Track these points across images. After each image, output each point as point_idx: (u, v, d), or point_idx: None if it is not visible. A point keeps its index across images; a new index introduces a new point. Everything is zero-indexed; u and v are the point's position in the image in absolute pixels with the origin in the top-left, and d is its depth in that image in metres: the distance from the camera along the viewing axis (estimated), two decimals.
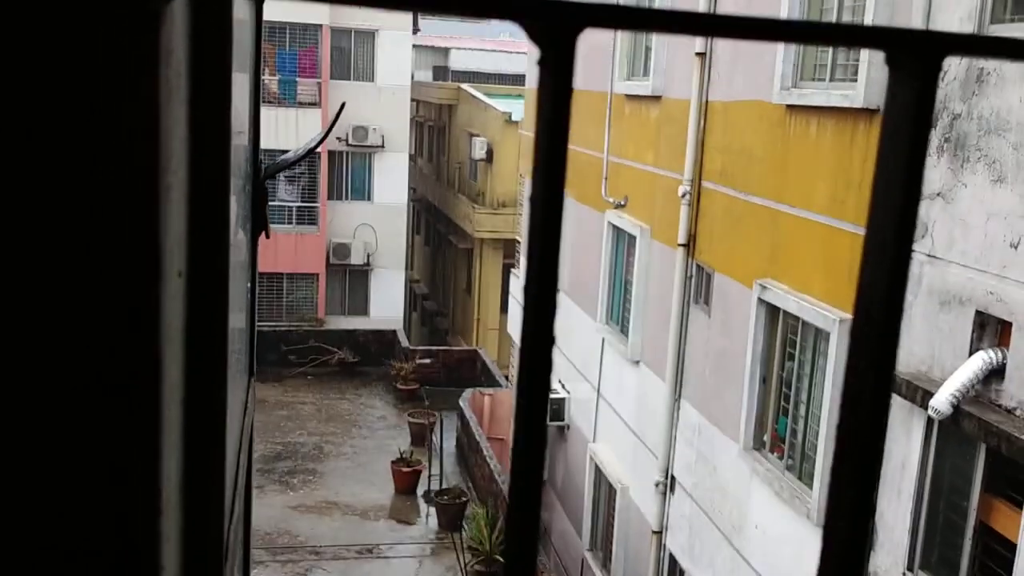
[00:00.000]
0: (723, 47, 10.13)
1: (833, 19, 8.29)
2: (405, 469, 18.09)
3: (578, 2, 0.46)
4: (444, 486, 17.68)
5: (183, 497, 0.69)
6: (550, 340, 0.50)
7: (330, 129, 3.29)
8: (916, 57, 0.51)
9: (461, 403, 19.71)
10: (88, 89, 0.44)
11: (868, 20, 7.48)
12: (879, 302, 0.52)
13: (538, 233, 0.50)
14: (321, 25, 25.90)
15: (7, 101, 0.44)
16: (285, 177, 26.14)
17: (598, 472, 13.53)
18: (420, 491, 18.15)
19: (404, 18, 27.17)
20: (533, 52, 0.49)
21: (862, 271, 0.53)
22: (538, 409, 0.50)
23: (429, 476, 18.03)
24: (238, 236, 1.32)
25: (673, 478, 11.19)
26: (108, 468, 0.48)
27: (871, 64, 7.44)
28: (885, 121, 0.52)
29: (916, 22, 6.88)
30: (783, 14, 8.69)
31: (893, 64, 0.52)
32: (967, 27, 6.43)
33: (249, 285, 1.56)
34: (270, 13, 24.97)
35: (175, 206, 0.55)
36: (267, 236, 1.62)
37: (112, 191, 0.45)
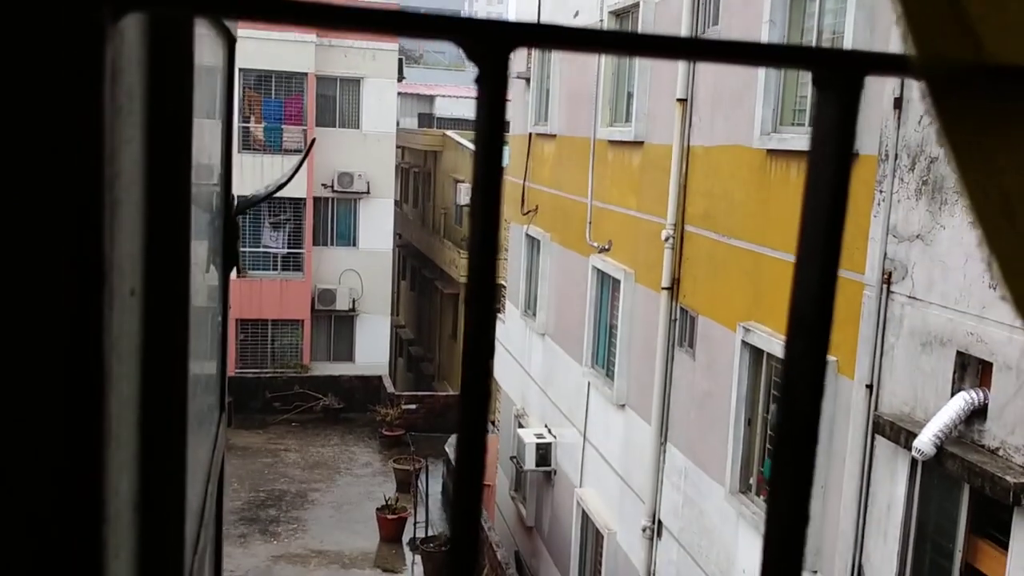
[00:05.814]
0: (704, 93, 10.27)
1: (814, 27, 8.36)
2: (390, 516, 17.91)
3: (509, 21, 0.48)
4: (430, 533, 17.51)
5: (137, 514, 0.69)
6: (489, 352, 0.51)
7: (300, 165, 3.33)
8: (839, 75, 0.53)
9: (447, 449, 19.59)
10: (26, 101, 0.46)
11: (848, 34, 7.54)
12: (811, 303, 0.54)
13: (476, 255, 0.52)
14: (307, 73, 26.13)
15: None
16: (270, 223, 26.17)
17: (585, 517, 13.43)
18: (406, 539, 17.96)
19: (389, 66, 27.44)
20: (474, 71, 0.51)
21: (795, 275, 0.55)
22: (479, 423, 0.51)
23: (415, 523, 17.85)
24: (209, 271, 1.33)
25: (660, 523, 11.12)
26: (48, 477, 0.49)
27: None
28: (813, 136, 0.55)
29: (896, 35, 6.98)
30: (764, 25, 8.76)
31: (818, 83, 0.54)
32: None
33: (220, 319, 1.57)
34: (256, 62, 25.22)
35: (126, 223, 0.56)
36: (239, 273, 1.63)
37: (51, 202, 0.47)
